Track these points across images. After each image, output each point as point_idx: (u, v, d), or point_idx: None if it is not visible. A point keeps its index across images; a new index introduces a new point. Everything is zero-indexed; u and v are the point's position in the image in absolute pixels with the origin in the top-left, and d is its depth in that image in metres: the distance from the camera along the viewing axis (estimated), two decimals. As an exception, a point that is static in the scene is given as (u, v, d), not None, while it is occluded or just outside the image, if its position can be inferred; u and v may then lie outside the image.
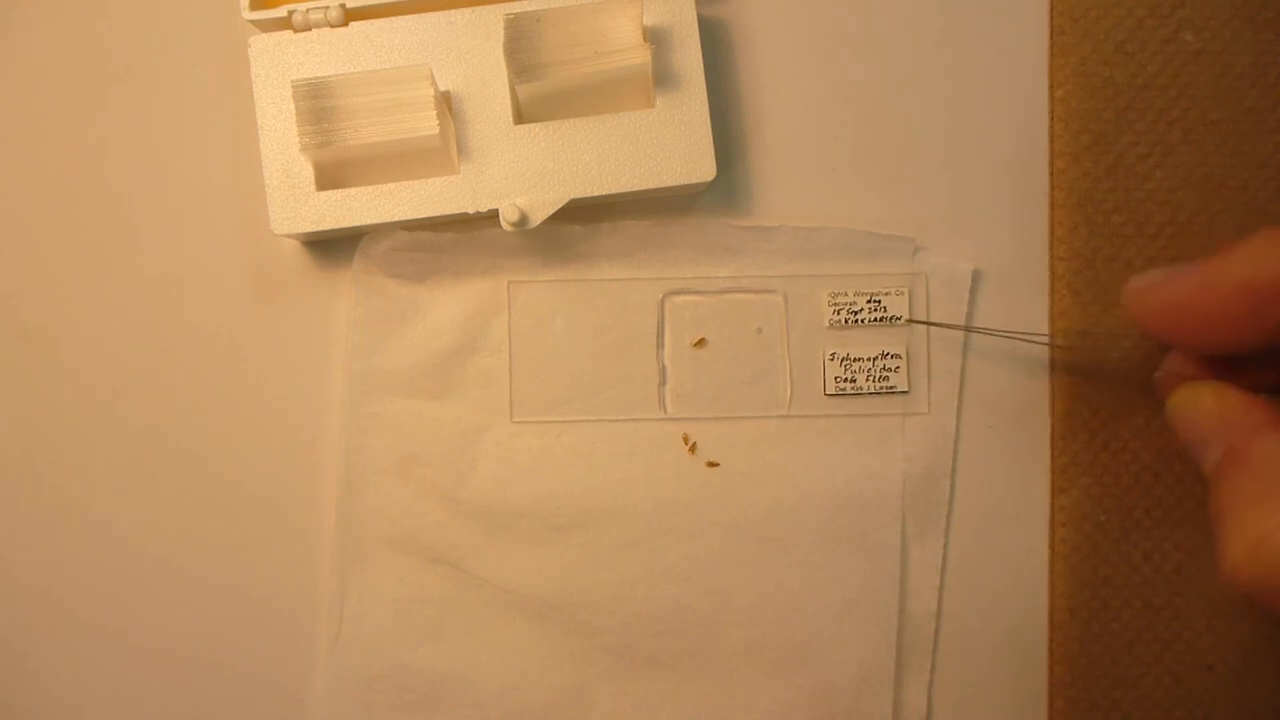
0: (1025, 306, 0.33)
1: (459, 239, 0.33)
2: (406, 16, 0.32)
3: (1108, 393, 0.33)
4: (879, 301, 0.33)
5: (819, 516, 0.33)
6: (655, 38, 0.31)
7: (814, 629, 0.33)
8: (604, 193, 0.31)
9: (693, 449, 0.33)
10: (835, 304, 0.33)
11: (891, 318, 0.33)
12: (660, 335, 0.33)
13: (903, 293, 0.33)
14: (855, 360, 0.33)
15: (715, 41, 0.34)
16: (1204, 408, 0.28)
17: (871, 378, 0.33)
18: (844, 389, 0.33)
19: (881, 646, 0.33)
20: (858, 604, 0.33)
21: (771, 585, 0.33)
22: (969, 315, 0.33)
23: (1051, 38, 0.34)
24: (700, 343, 0.33)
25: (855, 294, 0.33)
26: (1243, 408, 0.28)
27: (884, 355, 0.33)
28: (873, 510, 0.33)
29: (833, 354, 0.33)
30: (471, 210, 0.31)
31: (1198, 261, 0.28)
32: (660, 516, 0.33)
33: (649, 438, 0.33)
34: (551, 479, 0.33)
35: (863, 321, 0.33)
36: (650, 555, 0.33)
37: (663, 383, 0.33)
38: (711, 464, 0.33)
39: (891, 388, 0.33)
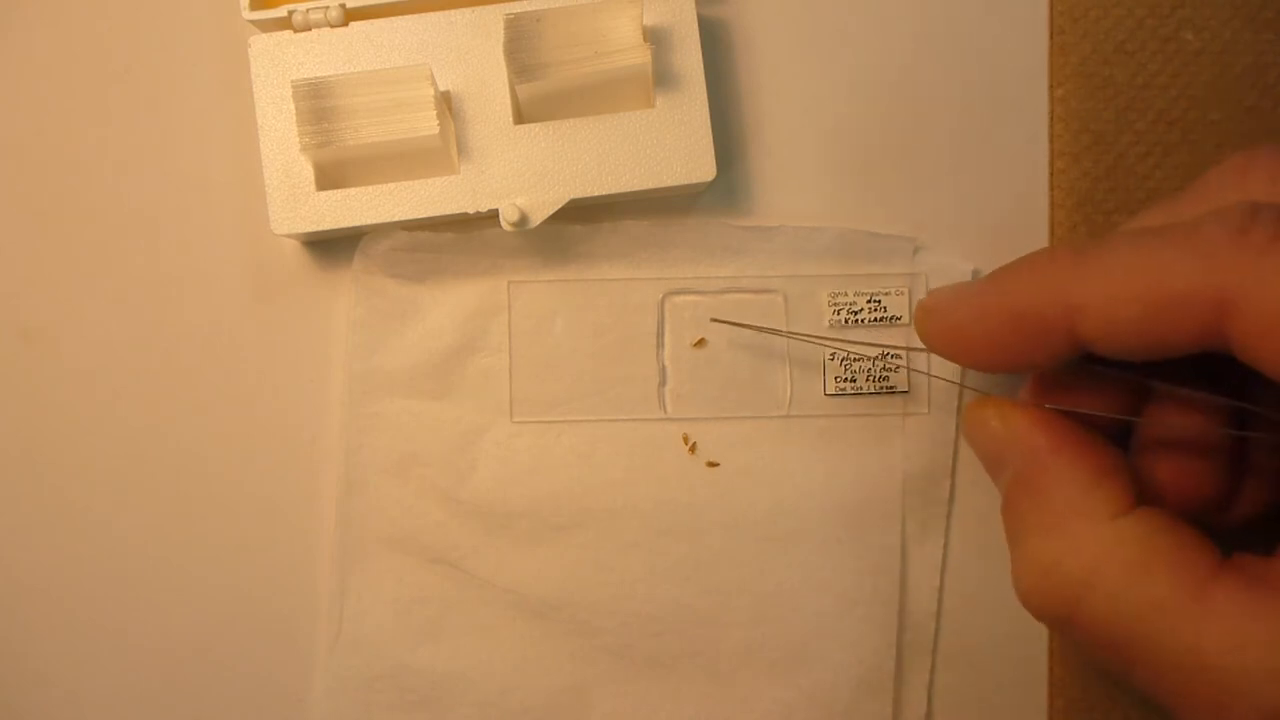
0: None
1: (459, 239, 0.33)
2: (406, 16, 0.32)
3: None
4: (879, 301, 0.33)
5: (819, 516, 0.33)
6: (655, 38, 0.31)
7: (814, 629, 0.33)
8: (604, 193, 0.31)
9: (693, 449, 0.33)
10: (835, 304, 0.33)
11: (892, 318, 0.33)
12: (660, 335, 0.33)
13: (903, 293, 0.33)
14: (855, 360, 0.33)
15: (715, 41, 0.34)
16: (990, 429, 0.28)
17: (872, 378, 0.33)
18: (844, 389, 0.33)
19: (881, 647, 0.33)
20: (858, 604, 0.33)
21: (772, 585, 0.33)
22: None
23: (1051, 38, 0.34)
24: (700, 343, 0.33)
25: (855, 294, 0.33)
26: (1026, 430, 0.27)
27: (884, 355, 0.33)
28: (873, 510, 0.33)
29: (833, 354, 0.33)
30: (471, 210, 0.31)
31: (976, 283, 0.27)
32: (660, 516, 0.33)
33: (649, 438, 0.33)
34: (551, 479, 0.33)
35: (863, 321, 0.33)
36: (650, 555, 0.33)
37: (663, 383, 0.33)
38: (711, 464, 0.33)
39: (891, 388, 0.33)
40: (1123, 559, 0.24)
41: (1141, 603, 0.24)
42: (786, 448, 0.33)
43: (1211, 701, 0.23)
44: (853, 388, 0.33)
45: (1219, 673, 0.22)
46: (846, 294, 0.33)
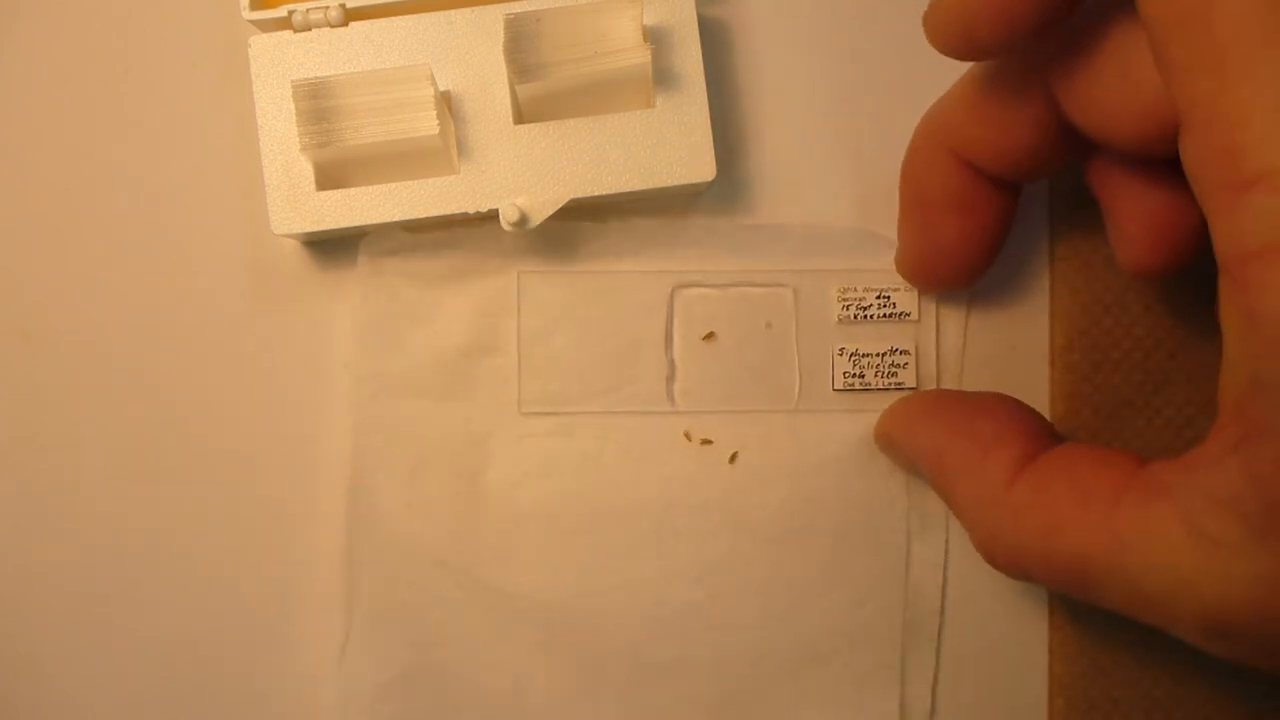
0: (1025, 306, 0.34)
1: (465, 238, 0.33)
2: (406, 16, 0.32)
3: (1108, 392, 0.33)
4: (888, 297, 0.33)
5: (828, 514, 0.33)
6: (655, 38, 0.31)
7: (823, 628, 0.33)
8: (604, 193, 0.31)
9: (702, 443, 0.33)
10: (844, 299, 0.33)
11: (901, 314, 0.33)
12: (669, 330, 0.33)
13: (912, 289, 0.33)
14: (864, 356, 0.33)
15: (715, 41, 0.34)
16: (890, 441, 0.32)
17: (880, 373, 0.33)
18: (852, 384, 0.33)
19: (888, 643, 0.33)
20: (866, 601, 0.33)
21: (782, 586, 0.33)
22: (967, 314, 0.33)
23: (1052, 36, 0.34)
24: (709, 337, 0.33)
25: (865, 289, 0.33)
26: (909, 437, 0.30)
27: (893, 351, 0.33)
28: (879, 507, 0.33)
29: (841, 349, 0.33)
30: (471, 210, 0.31)
31: None
32: (670, 518, 0.33)
33: (658, 435, 0.33)
34: (560, 480, 0.33)
35: (871, 317, 0.33)
36: (659, 557, 0.33)
37: (671, 378, 0.33)
38: (720, 459, 0.33)
39: (900, 384, 0.33)
40: (1030, 526, 0.25)
41: (1067, 555, 0.24)
42: (796, 444, 0.33)
43: (1161, 621, 0.23)
44: (861, 383, 0.33)
45: (1150, 598, 0.23)
46: (856, 289, 0.33)
